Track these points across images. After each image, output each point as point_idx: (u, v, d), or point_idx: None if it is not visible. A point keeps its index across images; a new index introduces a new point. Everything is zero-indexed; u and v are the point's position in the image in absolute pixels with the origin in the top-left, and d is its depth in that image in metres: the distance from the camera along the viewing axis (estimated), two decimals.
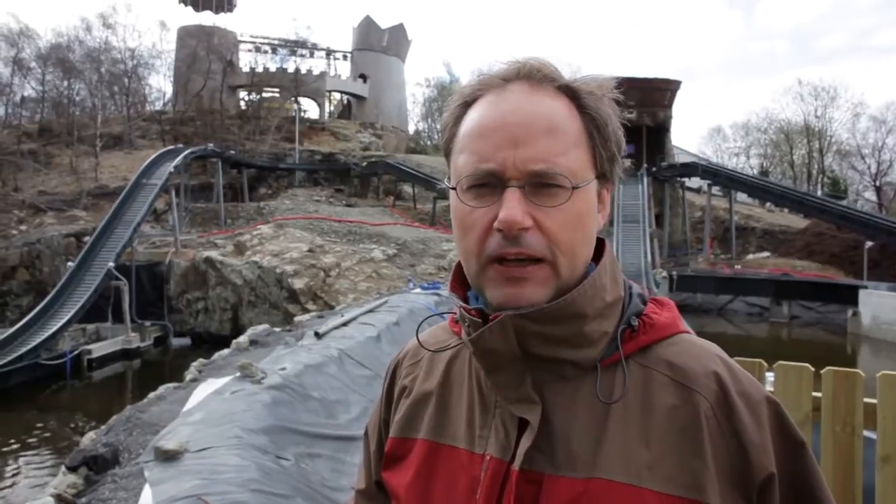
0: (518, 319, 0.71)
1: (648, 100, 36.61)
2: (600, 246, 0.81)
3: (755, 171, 52.79)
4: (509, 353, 0.72)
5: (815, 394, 2.05)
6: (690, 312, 26.13)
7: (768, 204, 38.95)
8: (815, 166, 51.76)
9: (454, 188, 0.75)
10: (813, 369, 2.06)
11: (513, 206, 0.69)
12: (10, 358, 17.83)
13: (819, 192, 43.52)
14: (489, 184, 0.71)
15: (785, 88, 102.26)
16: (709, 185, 34.20)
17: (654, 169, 34.69)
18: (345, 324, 9.80)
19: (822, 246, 31.59)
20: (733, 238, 32.76)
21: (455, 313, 0.84)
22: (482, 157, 0.71)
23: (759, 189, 34.31)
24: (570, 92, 0.75)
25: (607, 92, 0.77)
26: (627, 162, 37.31)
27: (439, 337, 0.89)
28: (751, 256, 32.74)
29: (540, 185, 0.70)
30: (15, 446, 13.45)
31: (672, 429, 0.70)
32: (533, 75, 0.74)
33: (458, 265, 0.80)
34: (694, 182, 37.67)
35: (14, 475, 11.86)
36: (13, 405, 16.25)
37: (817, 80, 65.99)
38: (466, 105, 0.77)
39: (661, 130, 37.65)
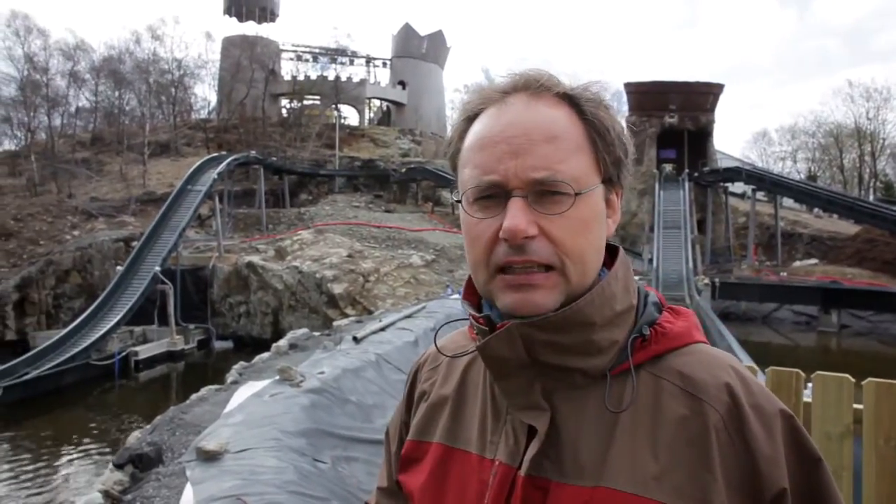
0: (525, 328, 0.71)
1: (690, 104, 36.00)
2: (614, 253, 0.81)
3: (802, 176, 51.31)
4: (517, 361, 0.73)
5: (856, 406, 2.00)
6: (734, 320, 25.48)
7: (816, 209, 37.80)
8: (867, 170, 50.01)
9: (460, 201, 0.77)
10: (853, 380, 2.01)
11: (516, 215, 0.70)
12: (63, 358, 18.53)
13: (871, 197, 42.02)
14: (493, 195, 0.73)
15: (834, 90, 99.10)
16: (753, 191, 33.33)
17: (695, 174, 34.05)
18: (383, 329, 9.88)
19: (875, 253, 30.45)
20: (779, 244, 31.88)
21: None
22: (485, 169, 0.73)
23: (806, 194, 33.30)
24: (570, 99, 0.75)
25: (605, 97, 0.78)
26: (669, 167, 36.73)
27: (458, 342, 0.90)
28: (798, 263, 31.78)
29: (543, 192, 0.71)
30: (67, 443, 13.96)
31: (681, 440, 0.69)
32: (531, 86, 0.75)
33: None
34: (738, 187, 36.83)
35: (65, 471, 12.30)
36: (66, 404, 16.86)
37: (869, 80, 63.78)
38: (469, 120, 0.79)
39: (703, 135, 36.95)
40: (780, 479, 0.68)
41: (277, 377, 6.37)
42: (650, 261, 26.68)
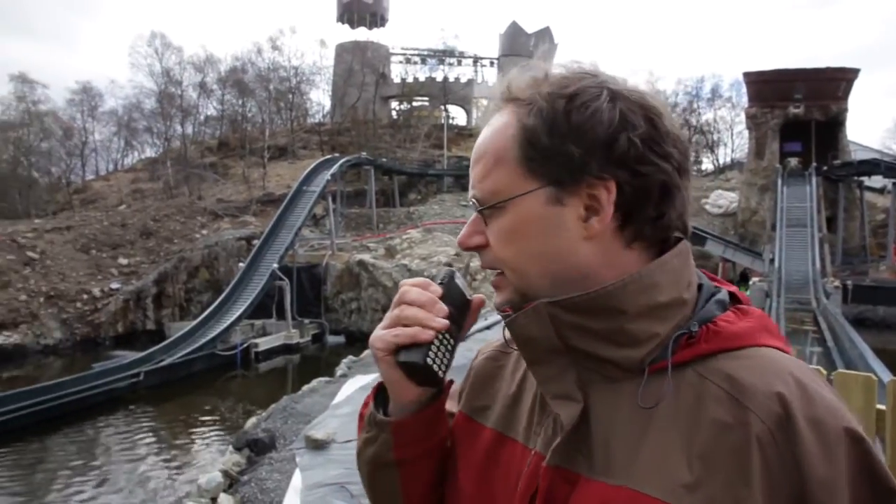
0: (551, 307, 0.70)
1: (818, 92, 33.29)
2: (677, 243, 0.75)
3: None
4: (547, 343, 0.71)
5: None
6: (870, 327, 23.31)
7: None
8: None
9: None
10: None
11: (465, 229, 0.79)
12: (193, 347, 20.18)
13: None
14: None
15: None
16: (894, 185, 30.34)
17: (825, 168, 31.46)
18: (487, 327, 9.93)
19: None
20: None
21: None
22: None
23: None
24: (516, 103, 0.76)
25: (572, 88, 0.71)
26: (794, 161, 34.20)
27: None
28: None
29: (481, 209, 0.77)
30: (194, 424, 15.18)
31: (719, 449, 0.63)
32: (500, 96, 0.79)
33: None
34: (876, 181, 33.60)
35: (192, 449, 13.37)
36: (195, 389, 18.35)
37: None
38: None
39: (834, 125, 34.03)
40: None
41: None
42: (771, 261, 24.99)
